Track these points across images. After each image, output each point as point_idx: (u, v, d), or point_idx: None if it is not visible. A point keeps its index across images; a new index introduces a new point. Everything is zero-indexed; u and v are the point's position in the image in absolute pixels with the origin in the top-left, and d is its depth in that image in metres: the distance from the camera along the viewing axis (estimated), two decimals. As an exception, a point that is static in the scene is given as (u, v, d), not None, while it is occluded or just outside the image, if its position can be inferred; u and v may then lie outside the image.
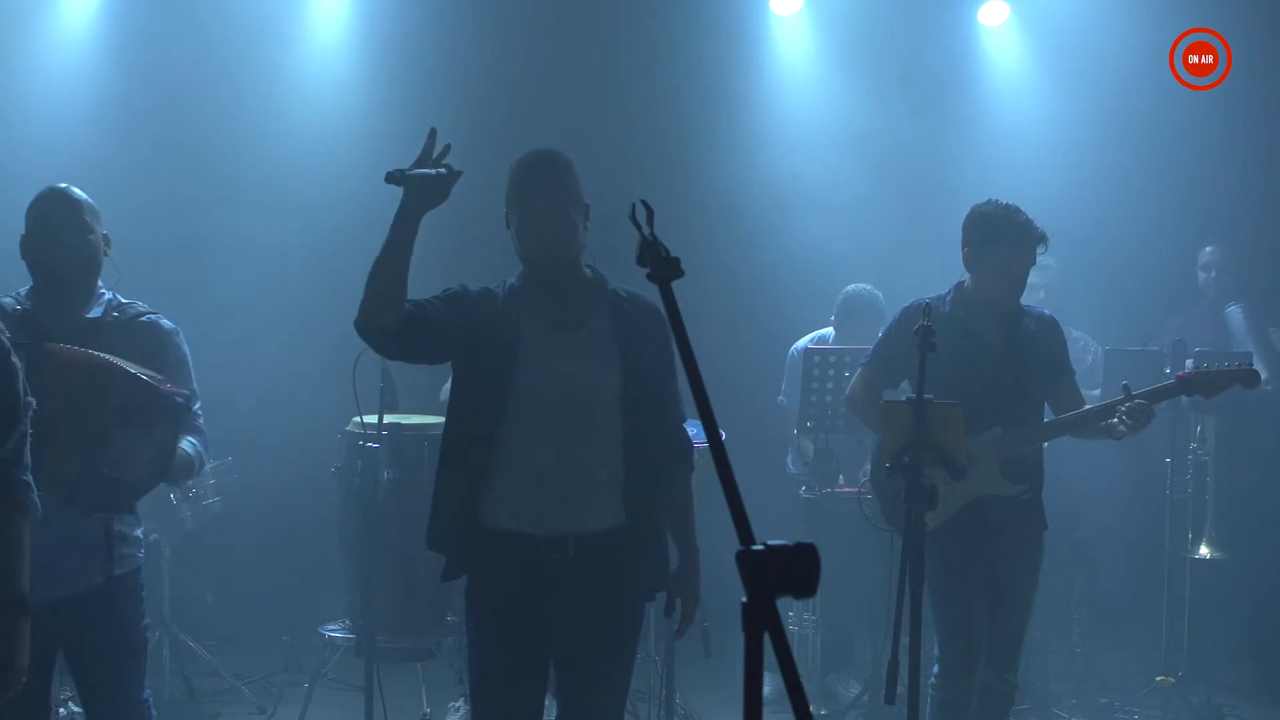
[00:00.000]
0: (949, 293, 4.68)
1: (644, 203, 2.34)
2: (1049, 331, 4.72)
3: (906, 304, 4.69)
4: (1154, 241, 7.16)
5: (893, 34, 7.69)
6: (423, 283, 3.48)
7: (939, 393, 4.31)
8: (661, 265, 2.23)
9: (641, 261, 2.27)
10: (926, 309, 4.04)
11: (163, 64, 7.25)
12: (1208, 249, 6.78)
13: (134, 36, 7.28)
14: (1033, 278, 6.57)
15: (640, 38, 7.62)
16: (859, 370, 4.89)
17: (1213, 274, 6.74)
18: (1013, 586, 4.59)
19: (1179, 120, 7.18)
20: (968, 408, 4.30)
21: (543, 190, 3.48)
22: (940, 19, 7.85)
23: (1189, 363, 5.93)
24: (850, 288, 6.47)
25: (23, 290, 3.78)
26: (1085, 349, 6.46)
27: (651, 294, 3.08)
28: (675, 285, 2.21)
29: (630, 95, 7.62)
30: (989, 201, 4.59)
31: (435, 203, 3.34)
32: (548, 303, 3.54)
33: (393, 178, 3.29)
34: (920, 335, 3.93)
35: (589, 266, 3.61)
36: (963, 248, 4.62)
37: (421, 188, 3.30)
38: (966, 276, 4.67)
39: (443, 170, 3.32)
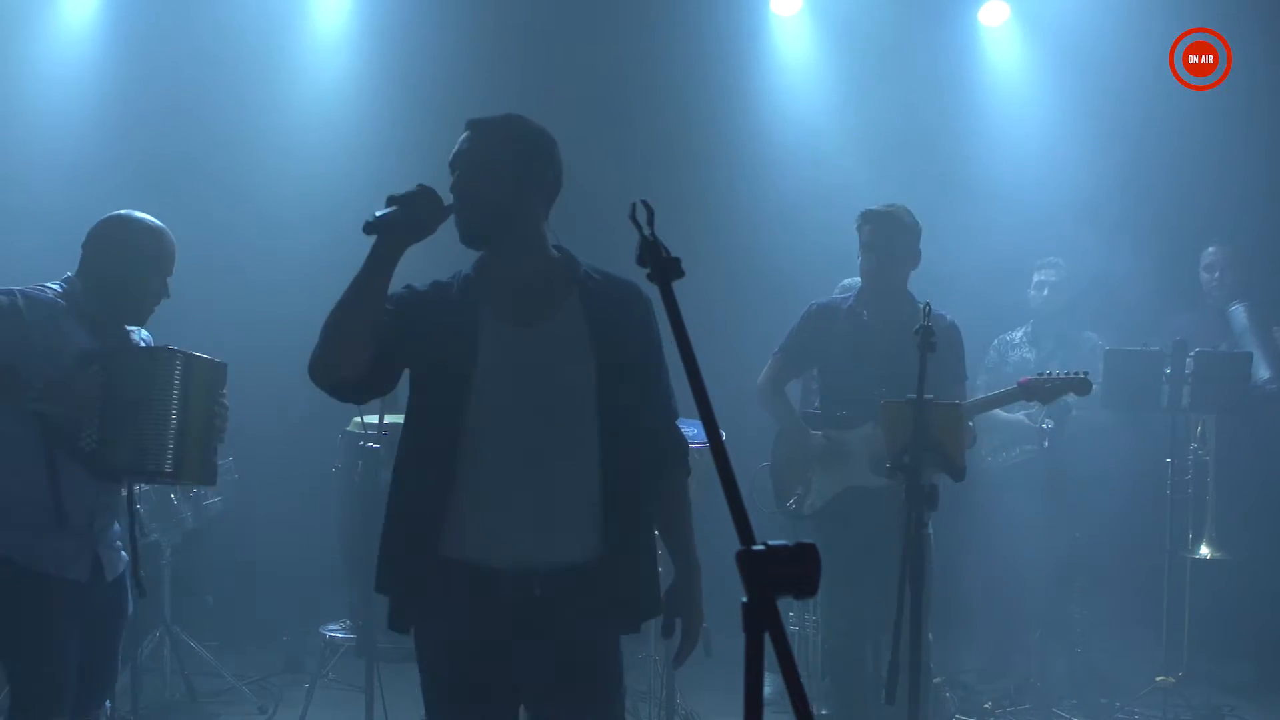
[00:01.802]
0: (852, 293, 5.21)
1: (644, 202, 2.34)
2: (946, 335, 4.85)
3: (814, 301, 5.27)
4: (1155, 241, 7.16)
5: (893, 34, 7.69)
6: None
7: (831, 382, 5.12)
8: (662, 265, 2.23)
9: (642, 261, 2.27)
10: (926, 309, 4.08)
11: (163, 64, 7.26)
12: (1210, 249, 6.77)
13: (134, 36, 7.28)
14: (1040, 275, 6.71)
15: (641, 38, 7.62)
16: (769, 360, 5.30)
17: (1215, 274, 6.73)
18: (891, 568, 4.65)
19: (1181, 120, 7.18)
20: (847, 401, 4.94)
21: (472, 133, 3.07)
22: (940, 19, 7.86)
23: (1189, 363, 5.94)
24: (847, 280, 6.48)
25: (63, 288, 3.86)
26: (1093, 352, 6.44)
27: (638, 279, 3.07)
28: (674, 285, 2.21)
29: (631, 95, 7.62)
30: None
31: (418, 238, 2.95)
32: (508, 291, 3.06)
33: (371, 228, 2.92)
34: (920, 335, 3.97)
35: (556, 247, 3.14)
36: None
37: (402, 230, 2.92)
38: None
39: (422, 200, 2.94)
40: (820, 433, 5.13)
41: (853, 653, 5.07)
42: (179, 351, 3.87)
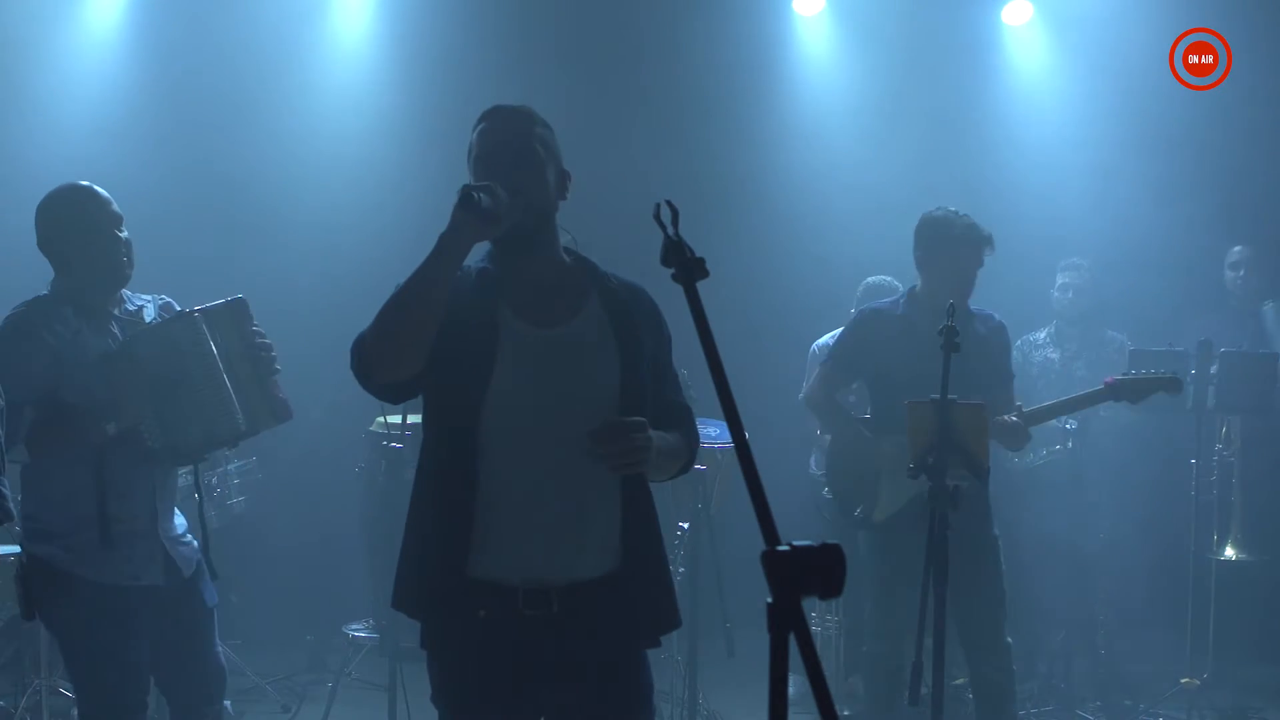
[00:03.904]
0: (902, 296, 5.01)
1: (668, 203, 2.34)
2: (996, 336, 4.90)
3: (860, 309, 5.07)
4: (1181, 240, 7.13)
5: (916, 33, 7.68)
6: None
7: (886, 390, 4.86)
8: (687, 266, 2.23)
9: (666, 261, 2.27)
10: (951, 309, 4.06)
11: (186, 69, 7.29)
12: (1236, 248, 6.75)
13: (157, 42, 7.32)
14: (1064, 277, 6.69)
15: (664, 39, 7.63)
16: (817, 370, 5.18)
17: (1241, 273, 6.71)
18: (967, 577, 4.61)
19: (1206, 119, 7.14)
20: (903, 407, 4.64)
21: (504, 120, 2.91)
22: (963, 18, 7.84)
23: (1214, 363, 5.91)
24: (870, 278, 6.52)
25: (51, 289, 3.80)
26: (1119, 351, 6.42)
27: (646, 281, 3.04)
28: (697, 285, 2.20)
29: (654, 96, 7.63)
30: (939, 207, 4.91)
31: (490, 234, 2.80)
32: (529, 290, 2.91)
33: (469, 196, 2.70)
34: (945, 336, 3.95)
35: (569, 251, 3.01)
36: (915, 251, 4.93)
37: (486, 217, 2.74)
38: (918, 280, 4.96)
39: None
40: (888, 440, 4.89)
41: (894, 659, 4.86)
42: (193, 312, 3.80)
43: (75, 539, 3.68)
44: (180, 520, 3.95)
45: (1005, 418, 4.75)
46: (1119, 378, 4.89)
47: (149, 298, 3.99)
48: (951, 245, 4.81)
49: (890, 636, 4.88)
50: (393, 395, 2.90)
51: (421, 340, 2.73)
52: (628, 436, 2.71)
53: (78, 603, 3.68)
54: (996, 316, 4.98)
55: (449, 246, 2.73)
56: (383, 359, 2.75)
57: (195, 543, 3.95)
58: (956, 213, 4.87)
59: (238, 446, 4.26)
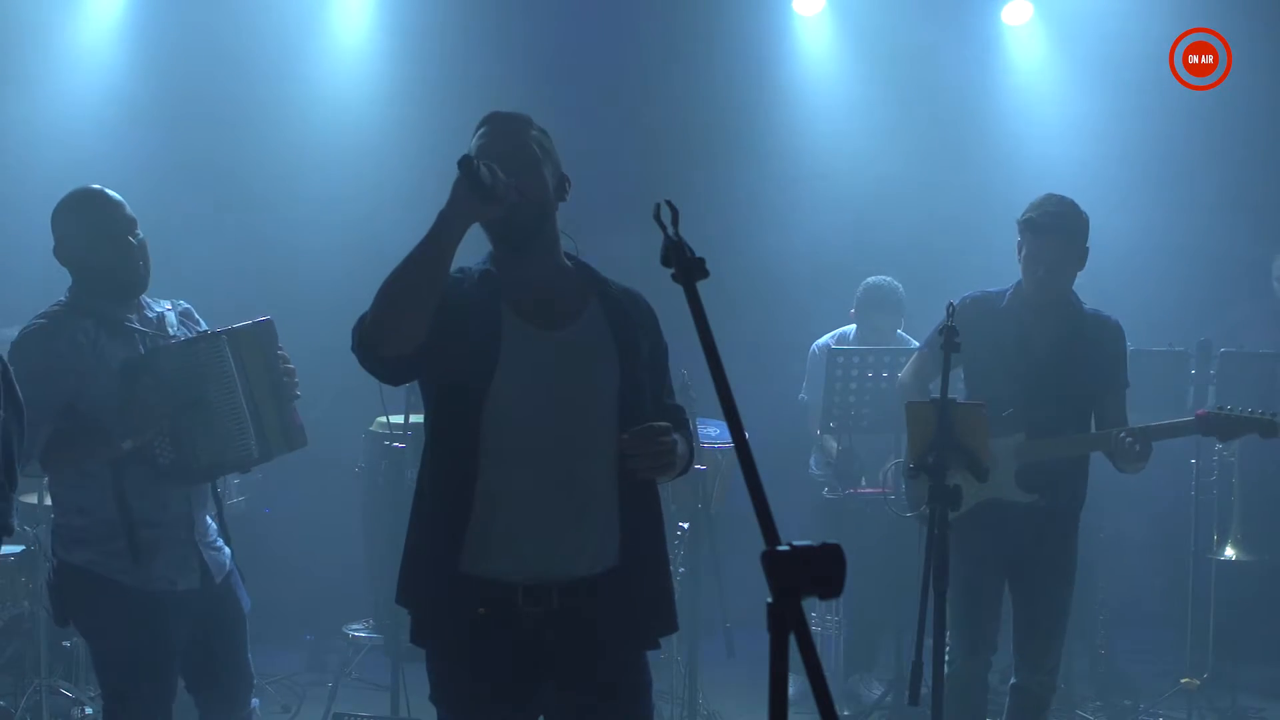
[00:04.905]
0: (1011, 288, 4.62)
1: (668, 203, 2.34)
2: (1109, 338, 4.55)
3: (964, 294, 4.63)
4: (1181, 240, 7.13)
5: (915, 34, 7.68)
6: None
7: (977, 384, 4.52)
8: (687, 266, 2.23)
9: (666, 262, 2.27)
10: (951, 309, 4.01)
11: (187, 70, 7.28)
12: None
13: (158, 43, 7.31)
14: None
15: (664, 38, 7.64)
16: (913, 356, 4.94)
17: None
18: (1032, 588, 4.56)
19: (1206, 118, 7.15)
20: (999, 405, 4.36)
21: (502, 123, 2.94)
22: (963, 18, 7.84)
23: (1213, 363, 5.91)
24: (870, 279, 6.52)
25: (68, 297, 3.72)
26: None
27: (646, 282, 3.05)
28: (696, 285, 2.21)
29: (654, 96, 7.63)
30: (1045, 194, 4.54)
31: (487, 215, 2.81)
32: (531, 292, 2.94)
33: (470, 165, 2.70)
34: (945, 335, 3.91)
35: (569, 256, 3.04)
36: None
37: (484, 193, 2.73)
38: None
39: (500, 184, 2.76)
40: None
41: (975, 675, 4.57)
42: (219, 333, 3.73)
43: (110, 545, 3.64)
44: (213, 524, 3.91)
45: (1120, 434, 4.32)
46: (1211, 411, 4.38)
47: (168, 304, 3.91)
48: (1021, 231, 4.47)
49: (966, 651, 4.50)
50: (392, 373, 2.92)
51: (421, 313, 2.75)
52: (658, 441, 2.77)
53: (114, 608, 3.66)
54: (1113, 319, 4.59)
55: (448, 221, 2.75)
56: (384, 333, 2.77)
57: (228, 549, 3.93)
58: (1045, 197, 4.48)
59: (249, 471, 4.19)
